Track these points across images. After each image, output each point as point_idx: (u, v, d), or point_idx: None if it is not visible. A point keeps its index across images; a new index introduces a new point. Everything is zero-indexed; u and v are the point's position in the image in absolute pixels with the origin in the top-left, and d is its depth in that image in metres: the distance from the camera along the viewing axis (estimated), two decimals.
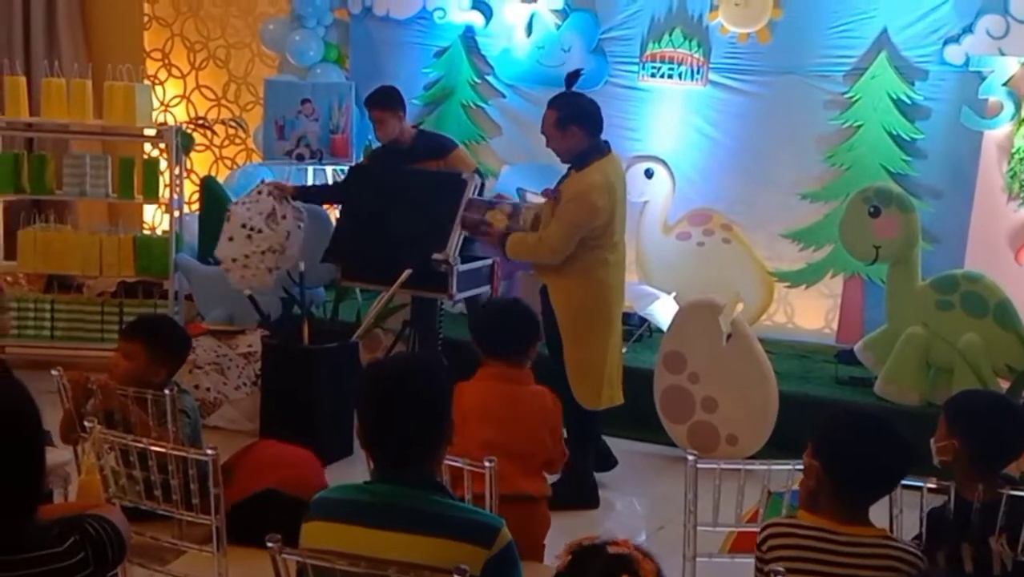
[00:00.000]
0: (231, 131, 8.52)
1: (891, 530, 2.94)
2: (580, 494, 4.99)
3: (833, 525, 2.58)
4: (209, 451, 2.99)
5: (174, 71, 8.75)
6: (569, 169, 4.92)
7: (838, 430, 2.66)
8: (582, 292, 4.92)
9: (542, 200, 5.11)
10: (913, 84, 6.64)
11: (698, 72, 7.15)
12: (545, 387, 3.87)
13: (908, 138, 6.67)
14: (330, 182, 7.99)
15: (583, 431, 4.98)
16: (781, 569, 2.38)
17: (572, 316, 4.92)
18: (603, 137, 4.93)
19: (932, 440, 3.04)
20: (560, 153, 4.96)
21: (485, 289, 5.76)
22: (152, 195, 6.91)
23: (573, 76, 4.98)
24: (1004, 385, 5.49)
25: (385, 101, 6.05)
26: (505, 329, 3.85)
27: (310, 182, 7.80)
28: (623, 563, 2.03)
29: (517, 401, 3.72)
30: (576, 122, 4.84)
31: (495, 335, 3.84)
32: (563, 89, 4.98)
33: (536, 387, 3.83)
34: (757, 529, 2.73)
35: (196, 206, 7.78)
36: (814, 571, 2.51)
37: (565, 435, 4.94)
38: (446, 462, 3.00)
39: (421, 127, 6.62)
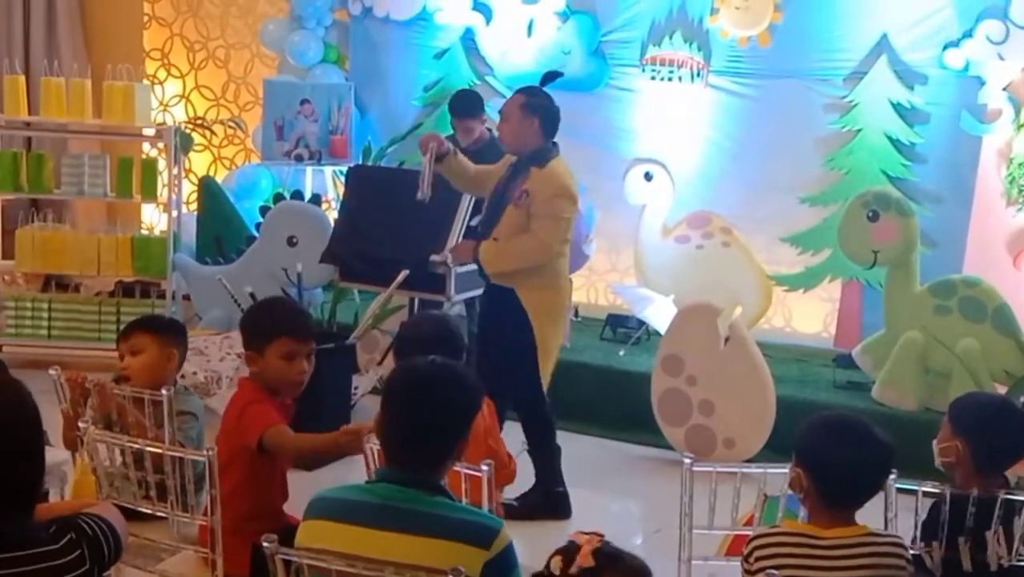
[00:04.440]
0: (230, 131, 8.52)
1: None
2: (550, 503, 4.81)
3: (817, 530, 2.59)
4: (206, 451, 2.98)
5: (173, 71, 8.76)
6: (526, 168, 4.69)
7: (816, 436, 2.67)
8: (553, 291, 4.81)
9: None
10: (913, 88, 6.63)
11: (698, 75, 7.15)
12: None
13: (907, 142, 6.66)
14: (329, 184, 7.99)
15: (545, 436, 4.86)
16: (776, 573, 2.38)
17: (546, 314, 4.75)
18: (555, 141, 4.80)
19: (935, 441, 3.05)
20: (508, 140, 4.76)
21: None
22: (150, 195, 6.89)
23: (551, 76, 4.91)
24: (1002, 390, 5.48)
25: (478, 109, 6.19)
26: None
27: (308, 183, 7.81)
28: None
29: None
30: (539, 115, 4.69)
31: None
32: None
33: None
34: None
35: (195, 206, 7.79)
36: None
37: (527, 445, 4.84)
38: None
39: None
